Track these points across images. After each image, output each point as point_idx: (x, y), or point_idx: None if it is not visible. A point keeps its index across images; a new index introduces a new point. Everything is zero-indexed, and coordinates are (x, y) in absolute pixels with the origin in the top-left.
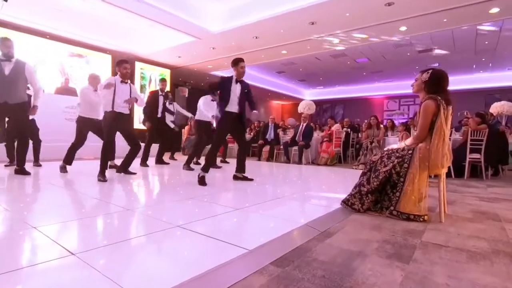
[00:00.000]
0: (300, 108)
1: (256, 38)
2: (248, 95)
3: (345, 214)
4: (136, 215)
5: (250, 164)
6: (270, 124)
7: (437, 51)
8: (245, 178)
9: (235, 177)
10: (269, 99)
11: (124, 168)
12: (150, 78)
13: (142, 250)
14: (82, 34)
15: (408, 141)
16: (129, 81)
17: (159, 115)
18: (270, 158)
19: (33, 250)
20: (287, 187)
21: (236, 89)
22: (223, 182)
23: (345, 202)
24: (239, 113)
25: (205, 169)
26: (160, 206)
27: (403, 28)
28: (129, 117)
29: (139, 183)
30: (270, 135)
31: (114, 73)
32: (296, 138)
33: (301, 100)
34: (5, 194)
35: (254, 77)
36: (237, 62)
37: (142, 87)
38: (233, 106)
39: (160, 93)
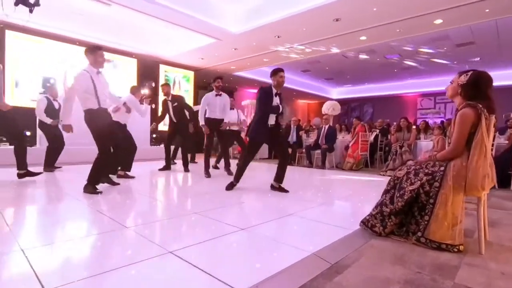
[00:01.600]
0: (324, 109)
1: (278, 37)
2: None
3: (364, 238)
4: (129, 235)
5: (271, 168)
6: (292, 126)
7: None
8: (281, 189)
9: (272, 187)
10: (294, 99)
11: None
12: (174, 80)
13: (119, 284)
14: (109, 40)
15: (440, 154)
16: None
17: (174, 120)
18: (292, 161)
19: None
20: (303, 200)
21: (276, 102)
22: (238, 192)
23: (364, 223)
24: (275, 124)
25: (236, 178)
26: (160, 223)
27: (438, 21)
28: (108, 113)
29: (144, 192)
30: (292, 137)
31: (139, 77)
32: (319, 141)
33: (327, 99)
34: (11, 205)
35: None
36: (276, 72)
37: None
38: (271, 119)
39: (167, 98)
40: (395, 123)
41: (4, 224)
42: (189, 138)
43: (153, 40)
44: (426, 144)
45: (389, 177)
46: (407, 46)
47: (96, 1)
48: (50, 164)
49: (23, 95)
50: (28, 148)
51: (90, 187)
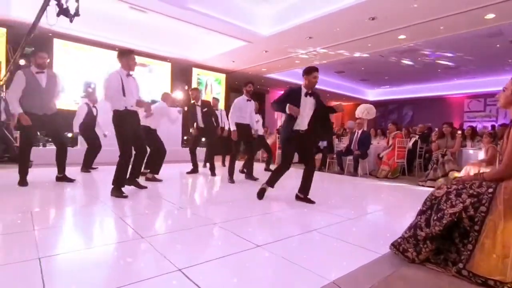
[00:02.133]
0: (358, 113)
1: (310, 38)
2: (324, 113)
3: (393, 265)
4: (142, 247)
5: (300, 174)
6: None
7: None
8: (307, 200)
9: (297, 197)
10: (328, 100)
11: (130, 180)
12: (206, 83)
13: None
14: (145, 45)
15: (488, 173)
16: (133, 74)
17: (201, 125)
18: (322, 167)
19: None
20: (328, 212)
21: (306, 103)
22: (263, 200)
23: (395, 246)
24: (308, 131)
25: (270, 182)
26: (176, 234)
27: (490, 16)
28: (137, 116)
29: (168, 198)
30: (322, 142)
31: (173, 80)
32: (352, 147)
33: (363, 101)
34: (40, 206)
35: None
36: (310, 71)
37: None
38: (301, 123)
39: (196, 102)
40: (436, 129)
41: (31, 227)
42: (215, 142)
43: (187, 44)
44: (473, 153)
45: (429, 189)
46: (451, 44)
47: (133, 8)
48: (88, 165)
49: (68, 99)
50: (69, 148)
51: (116, 191)
